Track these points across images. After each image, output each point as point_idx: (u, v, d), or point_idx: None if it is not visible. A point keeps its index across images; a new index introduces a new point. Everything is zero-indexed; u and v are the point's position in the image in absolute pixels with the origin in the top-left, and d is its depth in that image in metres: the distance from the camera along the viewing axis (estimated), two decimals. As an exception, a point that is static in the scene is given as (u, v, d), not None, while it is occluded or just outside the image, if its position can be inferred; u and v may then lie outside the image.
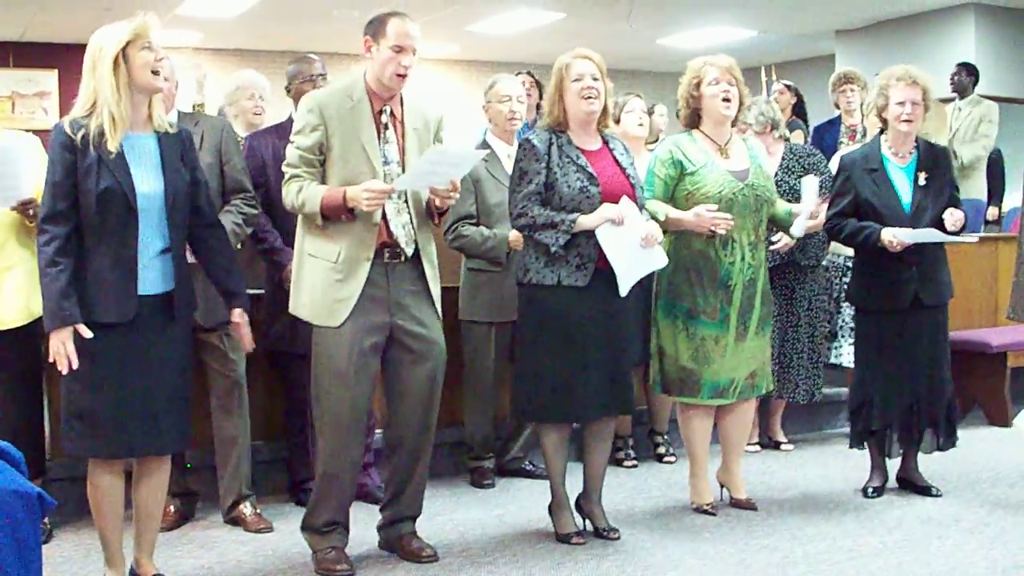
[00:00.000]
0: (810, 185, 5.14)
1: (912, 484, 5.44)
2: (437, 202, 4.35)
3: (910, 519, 5.05)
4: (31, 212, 4.46)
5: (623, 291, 4.56)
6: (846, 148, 6.91)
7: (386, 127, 4.36)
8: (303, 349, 4.78)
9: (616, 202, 4.54)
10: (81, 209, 3.80)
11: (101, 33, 3.85)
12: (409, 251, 4.34)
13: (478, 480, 5.71)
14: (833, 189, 5.43)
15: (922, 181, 5.24)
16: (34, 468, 4.37)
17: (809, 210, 5.11)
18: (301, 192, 4.26)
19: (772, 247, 5.35)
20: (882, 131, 5.39)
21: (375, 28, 4.32)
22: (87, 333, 3.77)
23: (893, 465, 5.51)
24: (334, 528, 4.41)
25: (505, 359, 5.59)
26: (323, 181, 4.29)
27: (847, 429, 5.62)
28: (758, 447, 6.40)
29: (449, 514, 5.18)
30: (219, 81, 7.68)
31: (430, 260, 4.43)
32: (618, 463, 5.92)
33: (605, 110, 4.71)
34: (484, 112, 5.87)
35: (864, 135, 7.15)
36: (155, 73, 3.86)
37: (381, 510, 4.64)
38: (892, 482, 5.49)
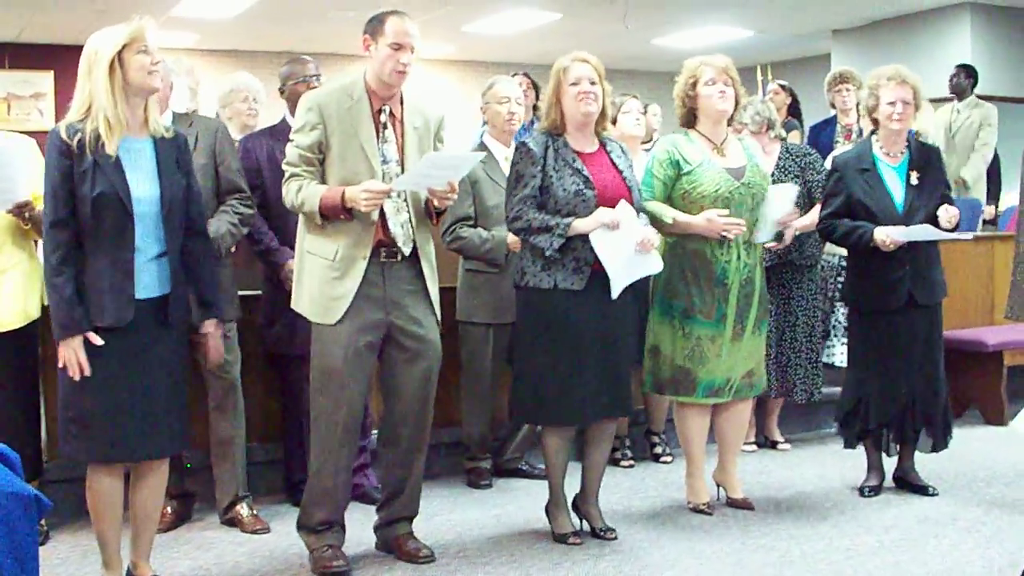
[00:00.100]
0: (778, 193, 5.10)
1: (909, 483, 5.45)
2: (435, 203, 4.35)
3: (907, 518, 5.05)
4: (27, 215, 4.46)
5: (614, 294, 4.56)
6: (842, 147, 6.91)
7: (385, 126, 4.37)
8: (301, 350, 4.79)
9: (612, 205, 4.54)
10: (78, 214, 3.80)
11: (97, 37, 3.85)
12: (406, 250, 4.35)
13: (475, 480, 5.71)
14: (825, 190, 5.43)
15: (914, 180, 5.25)
16: (31, 470, 4.38)
17: (773, 219, 5.07)
18: (300, 191, 4.26)
19: (768, 245, 5.35)
20: (873, 131, 5.39)
21: (374, 27, 4.33)
22: (97, 340, 3.79)
23: (890, 464, 5.51)
24: (330, 527, 4.41)
25: (503, 360, 5.60)
26: (323, 180, 4.30)
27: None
28: (755, 447, 6.40)
29: (446, 514, 5.18)
30: (215, 82, 7.66)
31: (428, 260, 4.44)
32: (615, 463, 5.92)
33: (603, 113, 4.71)
34: (482, 113, 5.87)
35: (860, 135, 7.15)
36: (151, 75, 3.86)
37: (377, 511, 4.64)
38: (889, 481, 5.49)
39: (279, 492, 5.42)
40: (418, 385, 4.42)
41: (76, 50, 3.91)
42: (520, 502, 5.37)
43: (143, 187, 3.86)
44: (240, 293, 5.08)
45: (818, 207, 5.55)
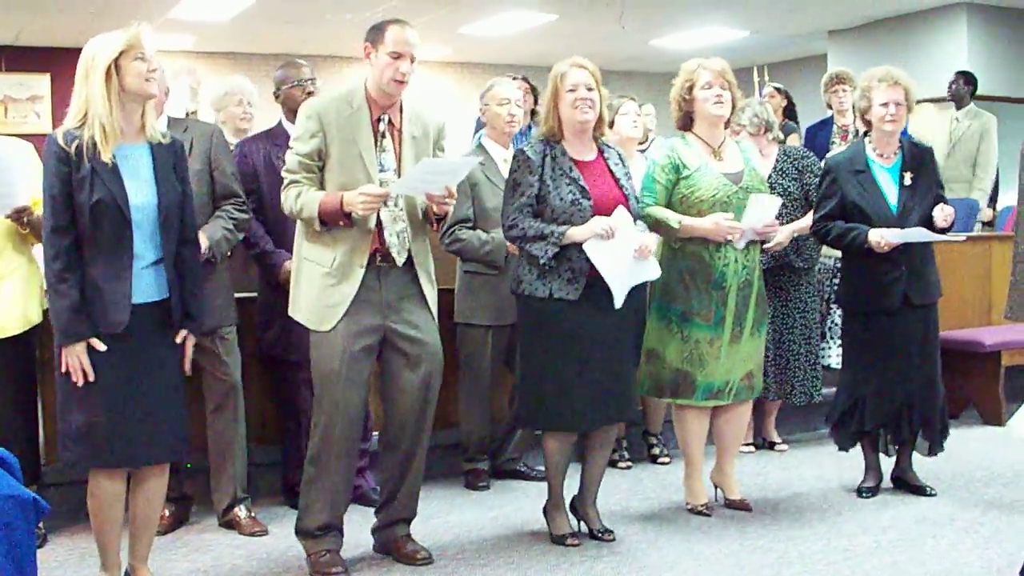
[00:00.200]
0: (758, 203, 5.07)
1: (907, 484, 5.45)
2: (435, 208, 4.36)
3: (904, 519, 5.06)
4: (25, 220, 4.46)
5: (618, 303, 4.56)
6: (838, 148, 6.92)
7: (384, 135, 4.37)
8: (296, 355, 4.79)
9: (608, 215, 4.55)
10: (76, 220, 3.80)
11: (94, 42, 3.85)
12: (400, 259, 4.34)
13: (473, 482, 5.71)
14: (819, 192, 5.43)
15: (908, 181, 5.26)
16: (29, 473, 4.37)
17: (751, 227, 5.03)
18: (300, 197, 4.27)
19: (765, 246, 5.35)
20: (866, 133, 5.40)
21: (375, 35, 4.34)
22: (100, 347, 3.80)
23: (887, 465, 5.51)
24: (328, 531, 4.41)
25: (500, 362, 5.60)
26: (321, 187, 4.30)
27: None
28: (752, 448, 6.40)
29: (444, 516, 5.18)
30: (211, 85, 7.68)
31: (424, 269, 4.44)
32: (613, 464, 5.91)
33: (600, 119, 4.71)
34: (481, 114, 5.87)
35: (857, 135, 7.15)
36: (148, 81, 3.86)
37: (376, 513, 4.64)
38: (886, 482, 5.50)
39: (277, 495, 5.41)
40: (418, 389, 4.42)
41: (73, 53, 3.91)
42: (518, 503, 5.38)
43: (140, 194, 3.86)
44: (237, 296, 5.08)
45: (776, 228, 5.51)
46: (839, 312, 6.24)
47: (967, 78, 9.51)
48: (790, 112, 8.45)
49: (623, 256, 4.53)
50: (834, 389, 5.61)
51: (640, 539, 4.82)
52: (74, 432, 3.85)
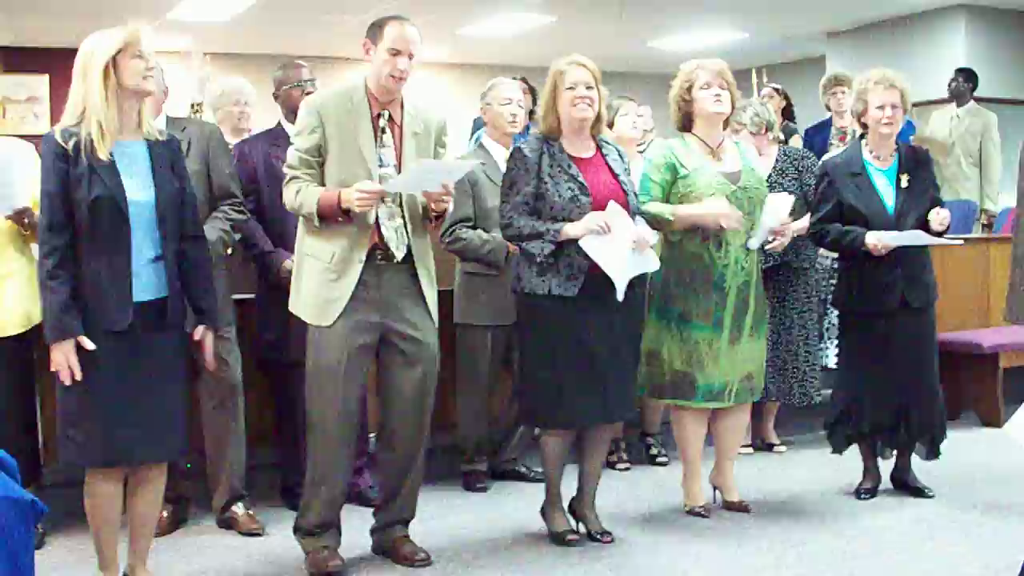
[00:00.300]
0: (775, 203, 5.11)
1: (907, 485, 5.45)
2: (432, 206, 4.36)
3: (903, 521, 5.06)
4: (26, 220, 4.46)
5: (620, 296, 4.56)
6: (836, 150, 6.91)
7: (384, 131, 4.38)
8: (294, 357, 4.79)
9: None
10: (74, 218, 3.80)
11: (92, 40, 3.85)
12: (399, 255, 4.35)
13: (471, 483, 5.71)
14: (815, 194, 5.43)
15: (904, 184, 5.26)
16: (28, 474, 4.37)
17: (769, 227, 5.08)
18: (299, 193, 4.29)
19: (767, 247, 5.36)
20: (862, 135, 5.40)
21: (374, 32, 4.36)
22: (89, 345, 3.78)
23: (886, 467, 5.51)
24: (326, 529, 4.42)
25: (499, 363, 5.60)
26: (321, 182, 4.31)
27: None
28: (751, 449, 6.40)
29: (442, 518, 5.18)
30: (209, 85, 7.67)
31: (424, 265, 4.44)
32: (611, 465, 5.92)
33: (599, 117, 4.72)
34: (482, 114, 5.87)
35: (854, 137, 7.15)
36: (146, 79, 3.86)
37: (374, 514, 4.64)
38: (885, 484, 5.49)
39: (275, 497, 5.41)
40: (415, 389, 4.42)
41: (72, 54, 3.90)
42: (517, 505, 5.37)
43: (138, 190, 3.86)
44: (235, 297, 5.08)
45: (791, 226, 5.52)
46: (836, 312, 6.23)
47: (967, 75, 9.51)
48: (788, 113, 8.45)
49: (621, 250, 4.52)
50: (827, 390, 5.62)
51: (638, 541, 4.82)
52: (72, 431, 3.85)
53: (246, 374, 5.08)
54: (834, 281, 6.02)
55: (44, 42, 13.05)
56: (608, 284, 4.52)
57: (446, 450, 5.79)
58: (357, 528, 4.70)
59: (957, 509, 5.20)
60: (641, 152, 6.08)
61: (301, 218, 4.38)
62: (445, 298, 5.03)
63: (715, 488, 5.32)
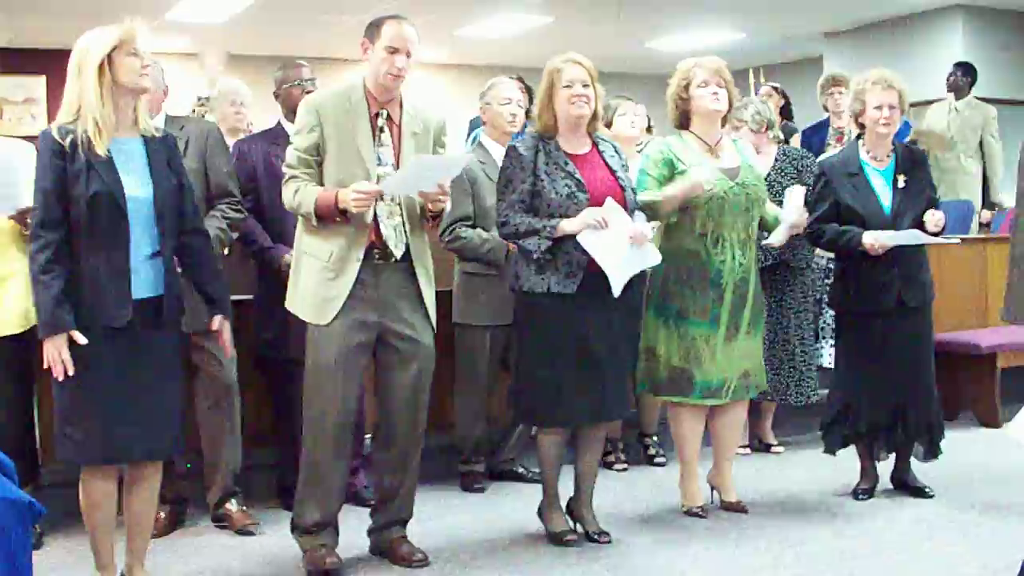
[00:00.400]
0: (795, 195, 5.15)
1: (907, 485, 5.45)
2: (429, 206, 4.36)
3: (901, 521, 5.06)
4: (29, 220, 4.45)
5: (616, 291, 4.56)
6: (832, 150, 6.92)
7: (382, 130, 4.38)
8: (293, 354, 4.78)
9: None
10: (71, 214, 3.80)
11: (87, 37, 3.86)
12: (398, 253, 4.35)
13: (469, 484, 5.71)
14: (812, 195, 5.44)
15: (901, 184, 5.26)
16: (26, 475, 4.36)
17: (791, 221, 5.11)
18: (298, 193, 4.29)
19: (763, 242, 5.37)
20: (859, 135, 5.40)
21: (372, 30, 4.37)
22: (82, 340, 3.78)
23: (884, 467, 5.51)
24: (323, 528, 4.42)
25: (497, 363, 5.59)
26: (320, 181, 4.31)
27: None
28: (749, 450, 6.40)
29: (440, 518, 5.18)
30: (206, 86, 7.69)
31: (422, 264, 4.44)
32: (608, 466, 5.92)
33: (595, 115, 4.72)
34: (481, 114, 5.87)
35: (851, 138, 7.16)
36: (141, 76, 3.87)
37: (371, 514, 4.64)
38: (884, 484, 5.49)
39: (272, 497, 5.40)
40: (410, 388, 4.42)
41: (69, 55, 3.91)
42: (514, 505, 5.37)
43: (136, 187, 3.87)
44: (233, 298, 5.07)
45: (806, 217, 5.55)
46: (830, 312, 6.23)
47: (965, 69, 9.51)
48: (786, 112, 8.45)
49: (618, 245, 4.52)
50: (824, 390, 5.63)
51: (636, 541, 4.81)
52: (69, 428, 3.85)
53: (244, 374, 5.09)
54: (829, 281, 6.03)
55: (41, 43, 13.04)
56: (607, 281, 4.52)
57: (443, 450, 5.79)
58: (354, 528, 4.70)
59: (955, 509, 5.20)
60: (640, 151, 6.07)
61: (300, 217, 4.38)
62: (444, 298, 5.04)
63: (713, 488, 5.31)
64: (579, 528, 4.84)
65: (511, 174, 4.64)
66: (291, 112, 5.09)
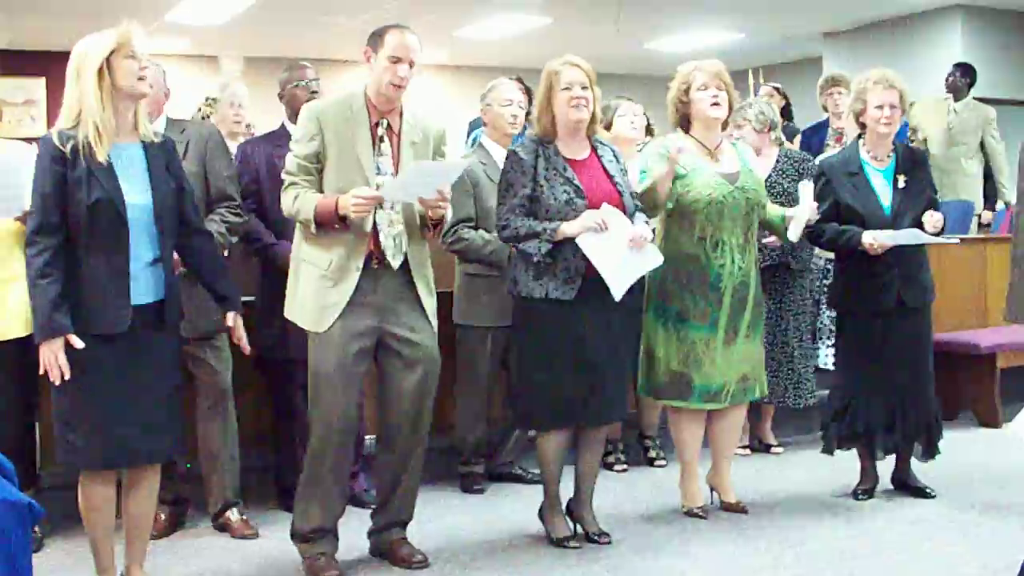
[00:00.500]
0: (806, 190, 5.15)
1: (906, 485, 5.45)
2: (429, 214, 4.36)
3: (901, 521, 5.06)
4: None
5: (617, 296, 4.56)
6: (832, 151, 6.92)
7: (382, 139, 4.38)
8: (294, 354, 4.78)
9: None
10: (71, 220, 3.80)
11: (85, 42, 3.86)
12: (395, 263, 4.34)
13: (468, 485, 5.70)
14: (812, 194, 5.43)
15: (901, 183, 5.26)
16: (26, 478, 4.36)
17: (806, 216, 5.09)
18: (297, 200, 4.29)
19: (765, 240, 5.36)
20: (860, 135, 5.40)
21: (375, 39, 4.37)
22: (78, 343, 3.77)
23: (885, 468, 5.51)
24: (323, 535, 4.41)
25: (498, 364, 5.59)
26: (320, 189, 4.31)
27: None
28: (748, 450, 6.40)
29: (440, 520, 5.18)
30: (205, 88, 7.70)
31: (422, 274, 4.43)
32: (608, 467, 5.91)
33: (594, 117, 4.72)
34: (482, 115, 5.87)
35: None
36: (140, 80, 3.86)
37: (371, 516, 4.64)
38: (884, 484, 5.49)
39: (272, 499, 5.40)
40: (413, 392, 4.41)
41: (68, 56, 3.90)
42: (514, 506, 5.37)
43: (136, 194, 3.86)
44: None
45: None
46: (828, 313, 6.23)
47: (964, 70, 9.50)
48: (786, 113, 8.46)
49: (618, 248, 4.52)
50: (828, 391, 5.62)
51: (636, 542, 4.81)
52: (69, 432, 3.84)
53: (243, 376, 5.09)
54: (827, 282, 6.02)
55: (41, 45, 13.05)
56: (606, 286, 4.52)
57: (443, 452, 5.78)
58: (355, 530, 4.69)
59: (955, 509, 5.20)
60: (639, 151, 6.07)
61: (299, 224, 4.38)
62: (445, 299, 5.04)
63: (712, 489, 5.31)
64: (579, 529, 4.84)
65: (512, 178, 4.64)
66: (295, 114, 5.08)
